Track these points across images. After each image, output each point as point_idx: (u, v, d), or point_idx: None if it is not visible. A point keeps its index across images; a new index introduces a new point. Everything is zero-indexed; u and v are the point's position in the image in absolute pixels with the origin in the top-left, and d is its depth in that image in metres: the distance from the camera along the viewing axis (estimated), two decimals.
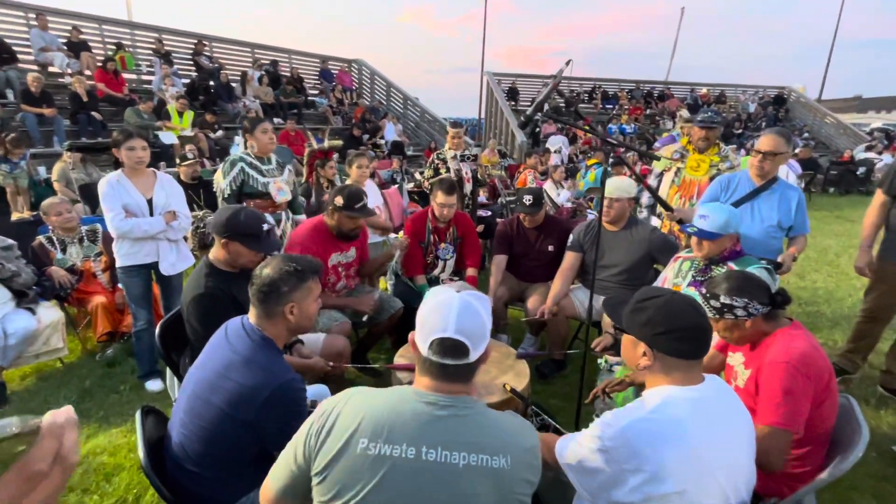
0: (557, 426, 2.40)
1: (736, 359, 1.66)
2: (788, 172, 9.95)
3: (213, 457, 1.34)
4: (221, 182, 2.97)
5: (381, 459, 0.96)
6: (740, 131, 15.50)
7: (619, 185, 2.66)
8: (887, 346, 2.96)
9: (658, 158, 2.93)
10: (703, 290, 1.58)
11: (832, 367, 1.49)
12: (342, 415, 1.02)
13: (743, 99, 18.27)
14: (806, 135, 16.20)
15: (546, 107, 14.54)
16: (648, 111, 16.73)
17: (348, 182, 3.86)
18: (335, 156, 4.75)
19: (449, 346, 1.01)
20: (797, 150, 9.70)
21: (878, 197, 2.79)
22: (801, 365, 1.41)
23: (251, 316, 1.48)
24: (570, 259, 2.93)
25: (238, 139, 5.96)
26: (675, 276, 2.29)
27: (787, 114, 18.06)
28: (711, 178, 3.06)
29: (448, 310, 1.02)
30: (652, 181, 3.59)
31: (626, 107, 16.23)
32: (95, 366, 3.20)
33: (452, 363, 1.01)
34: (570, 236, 2.97)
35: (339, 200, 2.60)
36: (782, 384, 1.39)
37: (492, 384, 2.04)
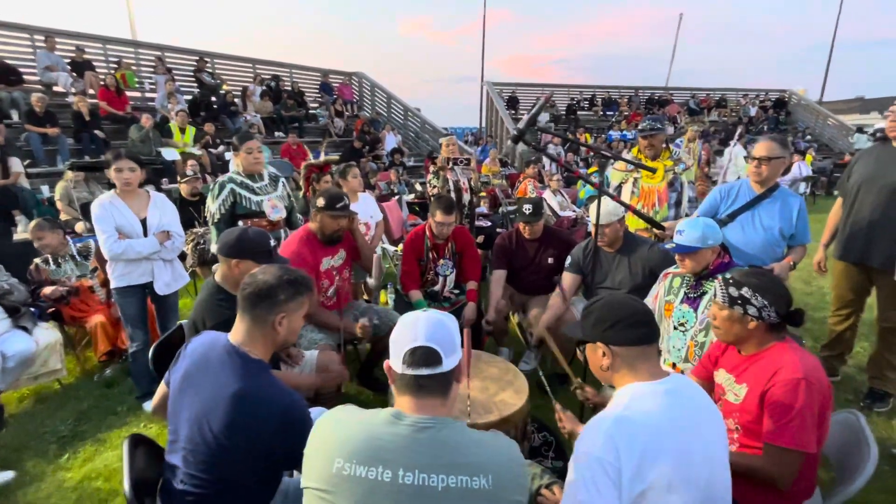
0: (559, 442, 2.36)
1: (722, 375, 1.63)
2: (801, 173, 10.00)
3: (220, 481, 1.31)
4: (211, 206, 2.93)
5: (358, 480, 0.96)
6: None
7: (604, 211, 2.60)
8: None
9: (653, 170, 2.91)
10: (727, 275, 1.56)
11: (831, 385, 1.45)
12: (320, 435, 1.06)
13: (744, 103, 18.25)
14: (808, 137, 16.13)
15: (546, 118, 14.60)
16: (649, 117, 16.73)
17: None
18: (334, 168, 4.75)
19: (421, 355, 1.03)
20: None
21: (839, 199, 2.98)
22: (815, 380, 1.37)
23: (234, 334, 1.41)
24: (567, 280, 2.87)
25: (229, 155, 5.96)
26: (666, 294, 2.24)
27: (789, 117, 18.00)
28: (669, 183, 3.12)
29: (416, 324, 1.07)
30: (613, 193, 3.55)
31: (626, 113, 16.22)
32: (93, 387, 3.18)
33: (427, 373, 1.03)
34: (569, 257, 2.91)
35: (321, 202, 2.61)
36: (797, 402, 1.35)
37: (489, 402, 2.00)
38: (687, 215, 3.08)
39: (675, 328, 2.15)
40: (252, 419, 1.26)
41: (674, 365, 2.15)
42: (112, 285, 2.78)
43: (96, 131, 7.64)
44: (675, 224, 2.24)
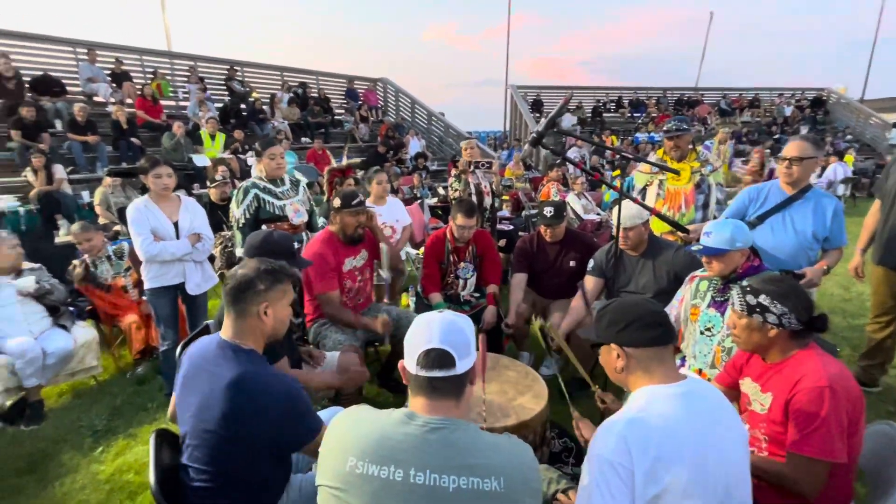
0: (580, 448, 2.32)
1: (748, 384, 1.58)
2: (836, 175, 9.60)
3: (224, 474, 1.34)
4: (236, 211, 3.02)
5: (370, 479, 0.97)
6: (777, 136, 14.93)
7: (628, 213, 2.56)
8: None
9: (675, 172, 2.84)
10: (745, 283, 1.52)
11: (862, 393, 1.39)
12: (335, 433, 1.08)
13: (779, 102, 17.62)
14: (849, 137, 15.45)
15: (573, 121, 14.46)
16: (675, 117, 16.36)
17: (369, 199, 3.92)
18: (360, 174, 4.82)
19: (435, 357, 1.04)
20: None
21: (876, 201, 2.86)
22: (840, 388, 1.32)
23: (225, 330, 1.45)
24: (590, 284, 2.83)
25: (252, 161, 6.12)
26: (692, 298, 2.19)
27: (827, 116, 17.30)
28: (696, 185, 3.04)
29: (431, 325, 1.08)
30: (636, 196, 3.48)
31: (654, 114, 15.90)
32: (126, 383, 3.32)
33: (440, 375, 1.04)
34: (591, 261, 2.87)
35: (337, 202, 2.68)
36: (821, 410, 1.30)
37: (508, 406, 1.99)
38: (715, 217, 3.00)
39: (702, 333, 2.10)
40: (250, 406, 1.28)
41: (700, 371, 2.09)
42: (146, 286, 2.90)
43: (133, 139, 7.98)
44: (702, 226, 2.19)
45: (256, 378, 1.32)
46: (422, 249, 3.89)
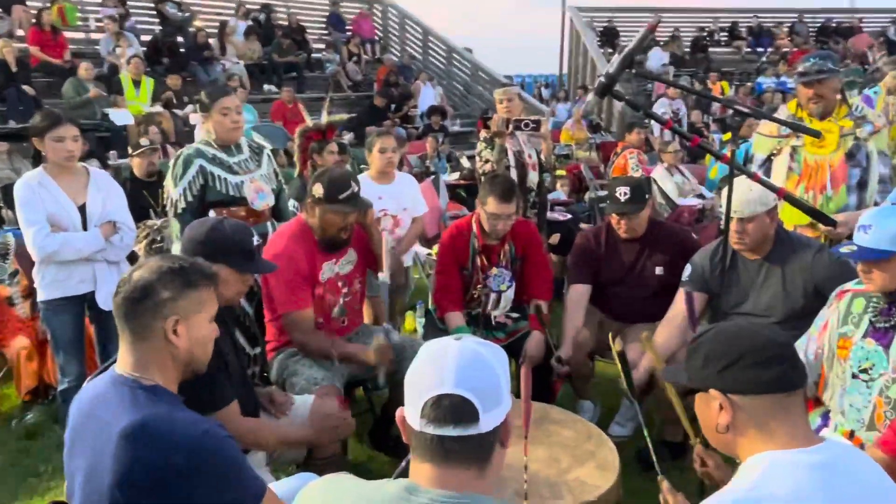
0: None
1: None
2: None
3: None
4: (173, 191, 3.06)
5: None
6: None
7: (748, 197, 2.54)
8: None
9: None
10: None
11: None
12: None
13: None
14: None
15: (663, 60, 14.35)
16: (816, 53, 16.14)
17: (368, 173, 3.95)
18: (346, 137, 4.86)
19: (448, 407, 1.00)
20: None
21: None
22: None
23: (120, 361, 1.46)
24: (684, 300, 2.81)
25: (195, 118, 6.23)
26: (842, 324, 2.16)
27: None
28: (849, 155, 2.99)
29: (444, 359, 1.04)
30: (756, 171, 3.45)
31: (786, 50, 15.71)
32: (10, 437, 3.39)
33: (455, 434, 1.00)
34: (688, 266, 2.86)
35: (319, 189, 2.63)
36: None
37: (560, 481, 1.99)
38: (877, 204, 2.96)
39: (855, 377, 2.08)
40: (152, 465, 1.28)
41: (852, 434, 2.08)
42: (41, 297, 2.98)
43: (25, 86, 8.22)
44: (858, 216, 2.17)
45: (160, 425, 1.31)
46: (436, 248, 3.92)
